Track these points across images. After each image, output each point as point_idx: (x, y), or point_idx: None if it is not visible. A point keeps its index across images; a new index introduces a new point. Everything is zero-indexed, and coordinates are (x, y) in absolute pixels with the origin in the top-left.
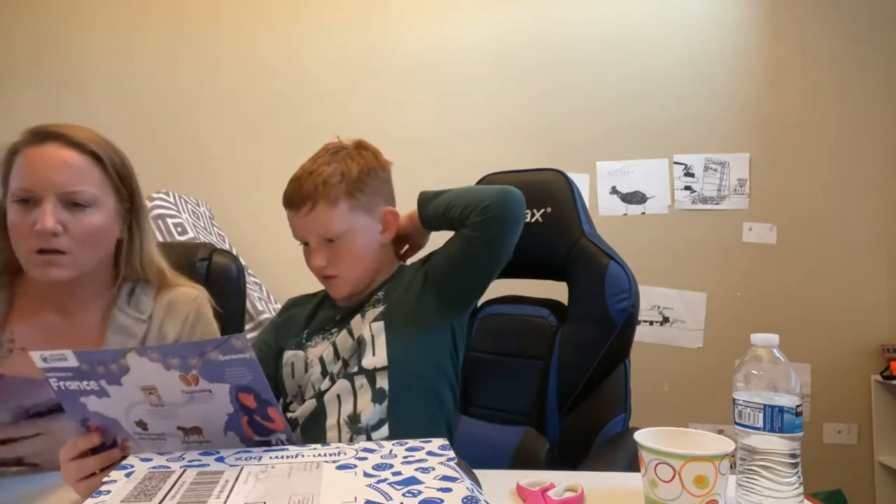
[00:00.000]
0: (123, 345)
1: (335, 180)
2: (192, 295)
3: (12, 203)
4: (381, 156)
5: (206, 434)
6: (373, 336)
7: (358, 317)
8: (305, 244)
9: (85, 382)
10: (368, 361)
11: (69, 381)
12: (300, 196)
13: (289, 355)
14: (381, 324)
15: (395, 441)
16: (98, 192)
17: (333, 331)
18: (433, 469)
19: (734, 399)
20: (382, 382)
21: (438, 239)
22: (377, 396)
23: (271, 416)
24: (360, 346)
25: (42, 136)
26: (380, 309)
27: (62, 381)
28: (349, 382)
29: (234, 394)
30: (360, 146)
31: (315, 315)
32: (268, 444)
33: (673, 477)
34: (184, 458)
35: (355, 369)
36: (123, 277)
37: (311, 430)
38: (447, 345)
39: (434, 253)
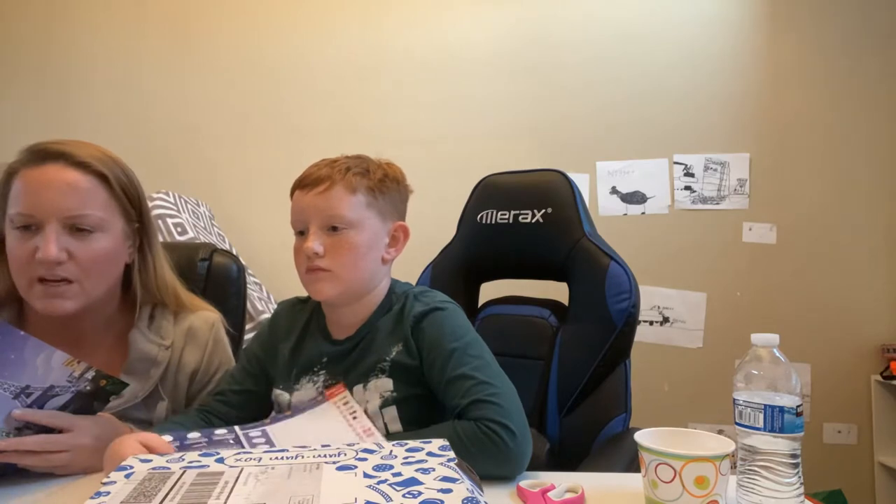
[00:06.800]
0: (146, 373)
1: (359, 171)
2: (210, 321)
3: (12, 229)
4: (405, 178)
5: None
6: (386, 424)
7: (360, 387)
8: (300, 233)
9: None
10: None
11: None
12: (318, 176)
13: (277, 394)
14: (393, 409)
15: (395, 442)
16: (104, 214)
17: (321, 373)
18: (433, 470)
19: (734, 399)
20: None
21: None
22: None
23: None
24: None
25: (42, 155)
26: (388, 387)
27: None
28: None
29: None
30: (388, 162)
31: (301, 347)
32: None
33: (673, 477)
34: (184, 460)
35: None
36: (142, 301)
37: None
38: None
39: (431, 343)
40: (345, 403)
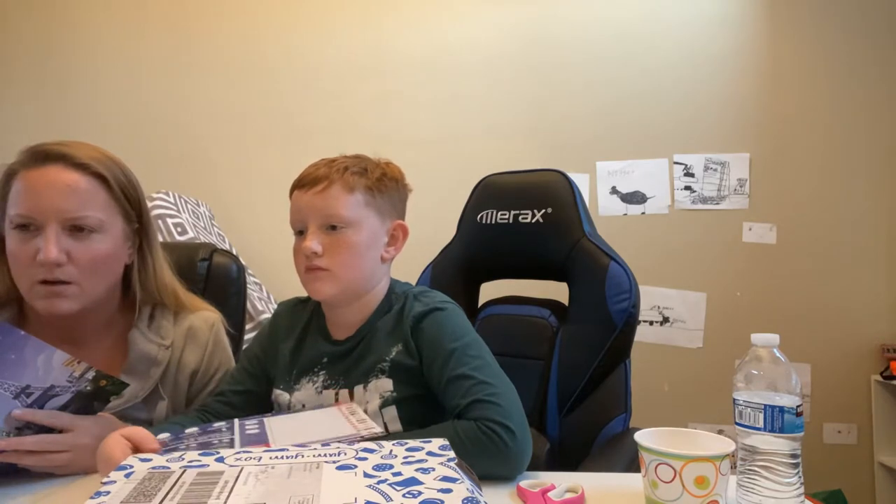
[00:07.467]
0: (146, 372)
1: (357, 170)
2: (210, 321)
3: (11, 230)
4: (404, 177)
5: None
6: (386, 424)
7: (360, 387)
8: (300, 233)
9: None
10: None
11: None
12: (316, 175)
13: (277, 394)
14: (393, 409)
15: (395, 441)
16: (104, 216)
17: (321, 374)
18: (433, 470)
19: (734, 399)
20: None
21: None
22: None
23: None
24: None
25: (42, 157)
26: (388, 388)
27: None
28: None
29: None
30: (387, 161)
31: (301, 347)
32: None
33: (673, 477)
34: (183, 459)
35: None
36: (141, 301)
37: None
38: None
39: (431, 341)
40: (348, 408)
